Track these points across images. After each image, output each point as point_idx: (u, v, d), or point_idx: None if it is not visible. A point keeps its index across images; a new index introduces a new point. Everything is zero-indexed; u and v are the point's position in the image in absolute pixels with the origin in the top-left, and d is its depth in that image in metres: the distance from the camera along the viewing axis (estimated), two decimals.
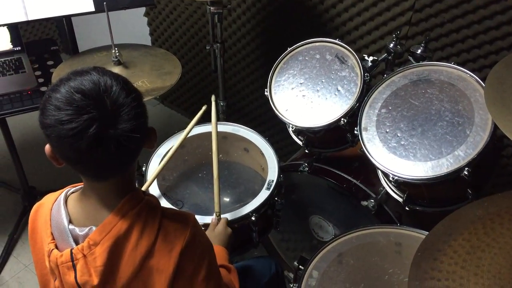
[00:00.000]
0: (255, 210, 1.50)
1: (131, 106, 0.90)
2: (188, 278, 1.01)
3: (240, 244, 1.59)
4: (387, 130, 1.46)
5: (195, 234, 1.02)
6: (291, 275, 1.95)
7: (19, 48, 2.09)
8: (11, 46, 2.08)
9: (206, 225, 1.45)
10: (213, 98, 1.78)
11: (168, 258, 0.97)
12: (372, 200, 1.56)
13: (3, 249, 2.25)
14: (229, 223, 1.46)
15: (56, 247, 1.00)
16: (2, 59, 2.04)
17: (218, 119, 1.76)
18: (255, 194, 1.56)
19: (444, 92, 1.43)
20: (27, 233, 2.37)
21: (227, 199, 1.73)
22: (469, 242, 1.00)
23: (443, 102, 1.42)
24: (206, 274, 1.03)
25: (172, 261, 0.97)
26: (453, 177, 1.32)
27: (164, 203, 1.52)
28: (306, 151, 1.76)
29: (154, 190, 1.57)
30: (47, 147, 0.94)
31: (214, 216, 1.46)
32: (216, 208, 1.46)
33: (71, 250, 0.96)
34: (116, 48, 1.69)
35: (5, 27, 1.99)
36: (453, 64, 1.44)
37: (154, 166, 1.63)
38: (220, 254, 1.31)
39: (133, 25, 2.76)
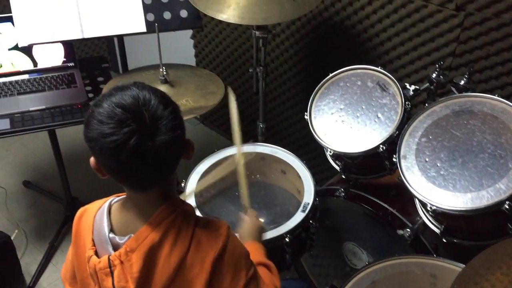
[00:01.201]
0: (290, 232, 1.50)
1: (168, 118, 0.94)
2: (226, 286, 1.03)
3: None
4: (427, 159, 1.45)
5: (229, 243, 1.03)
6: None
7: (73, 64, 2.20)
8: (65, 62, 2.19)
9: None
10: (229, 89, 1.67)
11: (202, 266, 0.99)
12: (409, 230, 1.54)
13: (43, 256, 2.32)
14: (263, 243, 1.47)
15: (96, 253, 1.03)
16: (56, 74, 2.15)
17: (257, 141, 1.79)
18: (290, 216, 1.57)
19: (487, 124, 1.41)
20: (67, 242, 2.46)
21: (262, 220, 1.74)
22: (507, 277, 0.98)
23: (485, 134, 1.40)
24: (245, 283, 1.05)
25: (205, 270, 0.99)
26: (493, 210, 1.30)
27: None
28: (343, 176, 1.76)
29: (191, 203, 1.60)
30: (92, 159, 0.99)
31: (243, 213, 1.45)
32: (246, 203, 1.46)
33: (108, 257, 1.00)
34: (164, 67, 1.76)
35: (61, 43, 2.09)
36: (497, 96, 1.43)
37: (192, 182, 1.67)
38: (257, 250, 1.29)
39: (180, 47, 2.85)
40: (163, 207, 1.01)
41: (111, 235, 1.02)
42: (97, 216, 1.06)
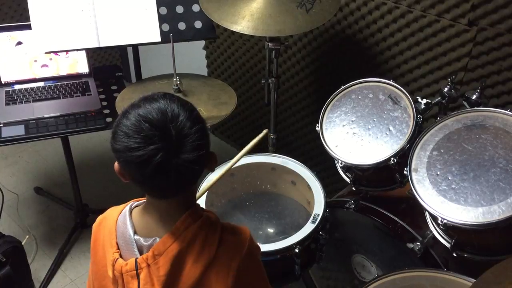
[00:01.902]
0: (299, 242, 1.51)
1: (195, 136, 0.95)
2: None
3: (281, 276, 1.60)
4: (438, 173, 1.45)
5: (252, 248, 1.06)
6: None
7: (87, 72, 2.23)
8: (80, 70, 2.23)
9: None
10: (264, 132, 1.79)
11: (228, 270, 1.01)
12: (419, 243, 1.54)
13: (53, 262, 2.34)
14: (273, 253, 1.48)
15: (121, 256, 1.05)
16: (71, 82, 2.19)
17: (268, 151, 1.80)
18: (299, 227, 1.57)
19: (499, 139, 1.41)
20: (77, 249, 2.47)
21: (271, 230, 1.75)
22: None
23: (497, 148, 1.40)
24: (262, 283, 1.09)
25: (231, 274, 1.01)
26: (504, 225, 1.29)
27: None
28: (353, 188, 1.76)
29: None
30: (116, 165, 1.01)
31: None
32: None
33: (136, 259, 1.01)
34: (177, 77, 1.78)
35: (78, 52, 2.13)
36: (510, 111, 1.43)
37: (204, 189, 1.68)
38: None
39: (192, 57, 2.88)
40: (187, 213, 1.03)
41: (136, 236, 1.04)
42: (120, 220, 1.08)
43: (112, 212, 1.12)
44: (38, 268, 2.34)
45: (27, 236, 2.41)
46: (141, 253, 1.03)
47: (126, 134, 0.94)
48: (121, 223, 1.07)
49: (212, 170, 1.08)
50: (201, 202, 1.65)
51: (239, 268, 1.02)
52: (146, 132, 0.92)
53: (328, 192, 1.74)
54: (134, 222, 1.06)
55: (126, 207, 1.10)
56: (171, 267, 0.99)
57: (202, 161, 0.98)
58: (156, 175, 0.94)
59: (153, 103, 0.96)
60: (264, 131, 1.72)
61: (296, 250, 1.50)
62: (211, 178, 1.72)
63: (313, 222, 1.57)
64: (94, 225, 1.14)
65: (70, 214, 2.56)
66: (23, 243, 2.13)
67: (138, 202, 1.12)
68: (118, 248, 1.06)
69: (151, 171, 0.93)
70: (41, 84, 2.17)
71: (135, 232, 1.05)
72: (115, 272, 1.04)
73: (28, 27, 1.90)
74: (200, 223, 1.03)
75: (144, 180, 0.97)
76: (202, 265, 1.00)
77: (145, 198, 1.08)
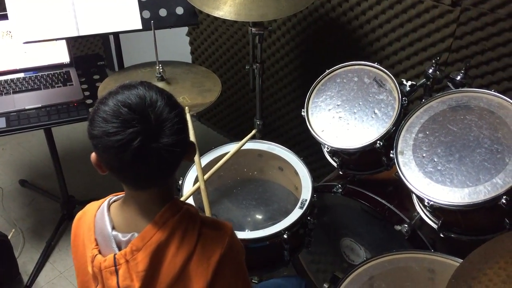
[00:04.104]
0: (288, 228, 1.51)
1: (173, 121, 0.94)
2: (227, 285, 1.04)
3: (270, 262, 1.60)
4: (424, 155, 1.45)
5: (233, 243, 1.05)
6: None
7: (68, 62, 2.19)
8: (61, 60, 2.18)
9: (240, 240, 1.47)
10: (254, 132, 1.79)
11: (207, 265, 1.00)
12: (406, 225, 1.55)
13: (40, 255, 2.32)
14: (261, 239, 1.48)
15: (100, 252, 1.03)
16: (52, 72, 2.14)
17: (254, 137, 1.79)
18: (287, 213, 1.57)
19: (484, 119, 1.42)
20: (64, 241, 2.46)
21: (259, 217, 1.75)
22: (505, 271, 0.99)
23: (482, 129, 1.41)
24: (243, 281, 1.07)
25: (210, 268, 1.00)
26: (490, 205, 1.30)
27: None
28: (340, 172, 1.76)
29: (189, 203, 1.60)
30: (93, 155, 0.99)
31: None
32: (207, 212, 1.49)
33: (114, 255, 1.00)
34: (160, 65, 1.76)
35: (57, 41, 2.08)
36: (494, 91, 1.43)
37: (190, 180, 1.67)
38: None
39: (175, 44, 2.84)
40: (166, 206, 1.02)
41: (114, 232, 1.02)
42: (98, 216, 1.06)
43: (90, 207, 1.10)
44: (26, 261, 2.32)
45: (13, 230, 2.38)
46: (119, 248, 1.01)
47: (104, 119, 0.92)
48: (99, 219, 1.05)
49: (191, 160, 1.06)
50: (187, 191, 1.63)
51: (219, 263, 1.01)
52: (125, 116, 0.91)
53: (315, 177, 1.74)
54: (112, 217, 1.05)
55: (104, 202, 1.08)
56: (149, 263, 0.98)
57: (181, 146, 0.96)
58: (135, 161, 0.92)
59: (131, 89, 0.95)
60: (253, 131, 1.73)
61: (285, 236, 1.50)
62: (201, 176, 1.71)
63: (301, 207, 1.57)
64: (74, 221, 1.12)
65: (56, 206, 2.53)
66: (9, 237, 2.11)
67: (116, 197, 1.10)
68: (97, 244, 1.04)
69: (130, 157, 0.91)
70: (21, 75, 2.12)
71: (113, 228, 1.03)
72: (94, 268, 1.03)
73: (5, 17, 1.85)
74: (179, 216, 1.02)
75: (123, 168, 0.95)
76: (181, 259, 0.99)
77: (123, 192, 1.06)
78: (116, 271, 1.00)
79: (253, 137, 1.77)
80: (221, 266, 1.01)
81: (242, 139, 1.79)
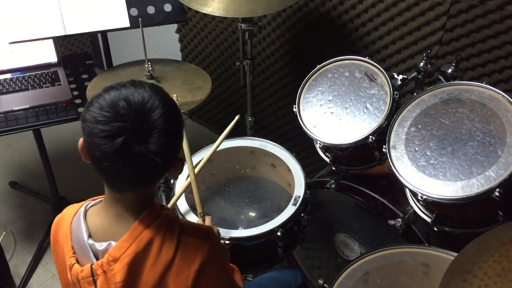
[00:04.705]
0: (281, 226, 1.50)
1: (165, 134, 0.91)
2: None
3: (265, 259, 1.59)
4: (416, 149, 1.44)
5: (214, 250, 1.02)
6: None
7: (56, 62, 2.16)
8: (48, 60, 2.15)
9: (232, 239, 1.46)
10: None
11: (187, 273, 0.98)
12: (400, 220, 1.55)
13: (32, 257, 2.29)
14: (255, 237, 1.47)
15: (77, 261, 1.01)
16: (39, 72, 2.11)
17: (246, 135, 1.78)
18: (281, 210, 1.56)
19: (475, 112, 1.41)
20: None
21: (253, 214, 1.73)
22: (500, 264, 0.98)
23: (474, 122, 1.40)
24: (228, 285, 1.05)
25: (190, 277, 0.98)
26: (483, 198, 1.30)
27: (192, 216, 1.54)
28: (333, 168, 1.76)
29: (182, 203, 1.58)
30: (80, 140, 0.95)
31: (198, 218, 1.47)
32: (199, 209, 1.48)
33: (91, 266, 0.97)
34: (149, 63, 1.74)
35: (45, 41, 2.06)
36: (485, 84, 1.43)
37: (182, 179, 1.65)
38: None
39: (165, 41, 2.82)
40: (144, 213, 0.99)
41: (90, 241, 0.99)
42: (74, 223, 1.03)
43: (68, 212, 1.06)
44: (18, 264, 2.30)
45: (4, 233, 2.35)
46: (97, 258, 0.99)
47: (100, 106, 0.90)
48: (75, 226, 1.02)
49: (175, 178, 1.04)
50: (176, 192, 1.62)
51: (199, 272, 0.99)
52: (120, 109, 0.89)
53: (308, 173, 1.73)
54: (89, 224, 1.01)
55: (81, 208, 1.04)
56: (127, 273, 0.95)
57: (165, 159, 0.93)
58: (116, 157, 0.89)
59: (138, 88, 0.93)
60: (236, 118, 1.70)
61: (278, 233, 1.48)
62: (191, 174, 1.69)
63: (294, 204, 1.56)
64: (53, 225, 1.08)
65: (47, 207, 2.50)
66: (0, 240, 2.09)
67: (94, 202, 1.07)
68: (74, 253, 1.01)
69: (112, 151, 0.88)
70: (8, 76, 2.09)
71: (89, 236, 1.00)
72: (72, 278, 1.00)
73: None
74: (157, 224, 0.99)
75: (103, 161, 0.91)
76: (160, 269, 0.97)
77: (102, 196, 1.03)
78: (94, 282, 0.97)
79: (242, 121, 1.72)
80: (201, 274, 0.99)
81: (233, 136, 1.78)
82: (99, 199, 1.06)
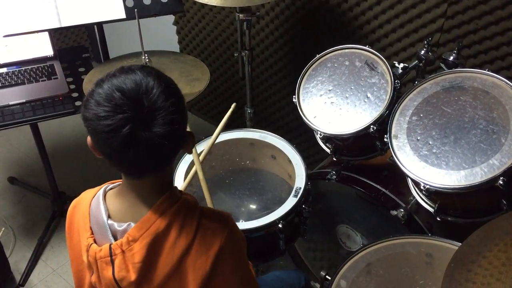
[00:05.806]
0: (282, 217, 1.48)
1: (168, 111, 0.90)
2: (226, 278, 1.02)
3: (266, 252, 1.58)
4: (418, 138, 1.42)
5: (233, 234, 1.03)
6: (318, 285, 1.92)
7: (52, 55, 2.14)
8: (44, 53, 2.13)
9: None
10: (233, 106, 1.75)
11: (206, 257, 0.98)
12: (402, 210, 1.53)
13: (32, 253, 2.28)
14: (256, 230, 1.45)
15: (95, 241, 1.01)
16: (36, 66, 2.09)
17: (245, 126, 1.76)
18: (282, 202, 1.55)
19: (478, 100, 1.39)
20: (57, 238, 2.42)
21: (253, 206, 1.72)
22: (505, 253, 0.97)
23: (477, 109, 1.38)
24: (243, 274, 1.05)
25: (209, 260, 0.98)
26: (487, 186, 1.28)
27: None
28: (334, 159, 1.74)
29: None
30: (88, 138, 0.96)
31: None
32: (209, 203, 1.48)
33: (110, 245, 0.97)
34: (146, 55, 1.71)
35: (40, 34, 2.03)
36: (487, 71, 1.40)
37: (181, 171, 1.64)
38: None
39: (162, 34, 2.79)
40: (164, 196, 0.99)
41: (110, 221, 1.00)
42: (93, 204, 1.04)
43: (86, 195, 1.07)
44: (18, 260, 2.29)
45: (3, 228, 2.33)
46: (115, 238, 0.99)
47: (97, 102, 0.90)
48: (94, 208, 1.02)
49: (189, 152, 1.03)
50: (180, 182, 1.60)
51: (218, 256, 0.99)
52: (117, 100, 0.88)
53: (309, 164, 1.72)
54: (108, 206, 1.02)
55: (100, 190, 1.05)
56: (146, 254, 0.96)
57: (175, 138, 0.93)
58: (124, 148, 0.89)
59: (129, 74, 0.92)
60: (233, 106, 1.68)
61: (280, 226, 1.47)
62: (190, 159, 1.67)
63: (295, 196, 1.54)
64: (69, 209, 1.09)
65: (47, 202, 2.49)
66: None
67: (113, 185, 1.07)
68: (92, 233, 1.02)
69: (119, 143, 0.88)
70: (4, 70, 2.06)
71: (109, 217, 1.00)
72: (89, 257, 1.00)
73: None
74: (177, 207, 0.99)
75: (113, 154, 0.92)
76: (179, 251, 0.97)
77: (120, 180, 1.03)
78: (112, 262, 0.97)
79: (242, 112, 1.70)
80: (220, 258, 0.99)
81: (233, 128, 1.76)
82: (117, 183, 1.06)
